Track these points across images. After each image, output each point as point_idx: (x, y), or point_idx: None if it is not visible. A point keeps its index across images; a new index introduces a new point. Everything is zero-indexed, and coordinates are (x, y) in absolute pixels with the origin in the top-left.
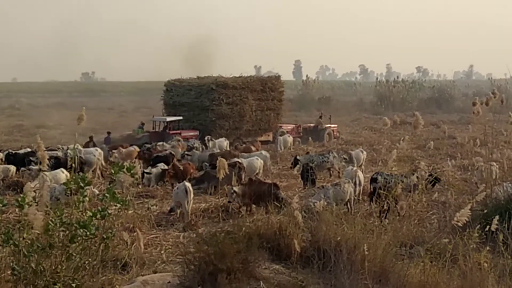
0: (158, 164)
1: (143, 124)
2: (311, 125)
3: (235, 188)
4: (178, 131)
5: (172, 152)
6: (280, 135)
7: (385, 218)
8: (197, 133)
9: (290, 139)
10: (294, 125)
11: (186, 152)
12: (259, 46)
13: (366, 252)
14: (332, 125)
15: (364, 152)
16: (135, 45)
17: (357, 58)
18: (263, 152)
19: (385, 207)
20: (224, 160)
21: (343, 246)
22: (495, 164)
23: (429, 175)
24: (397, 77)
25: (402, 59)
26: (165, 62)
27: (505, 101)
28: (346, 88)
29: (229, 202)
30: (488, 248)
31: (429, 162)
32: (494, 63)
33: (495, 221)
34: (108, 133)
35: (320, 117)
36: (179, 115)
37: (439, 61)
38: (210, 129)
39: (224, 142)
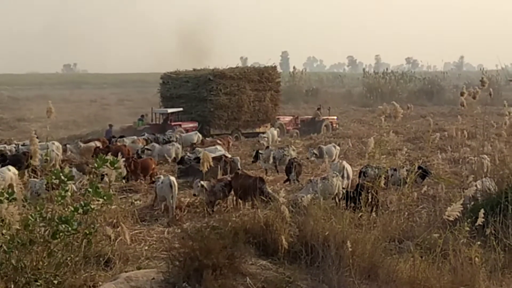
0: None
1: (142, 116)
2: (309, 117)
3: (203, 182)
4: (179, 123)
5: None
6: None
7: (372, 211)
8: (196, 124)
9: (275, 132)
10: (291, 117)
11: (145, 147)
12: (244, 37)
13: (355, 247)
14: (331, 117)
15: (337, 147)
16: (118, 37)
17: (346, 49)
18: (218, 147)
19: (370, 200)
20: (207, 153)
21: (331, 241)
22: (486, 157)
23: (418, 168)
24: (387, 68)
25: (391, 50)
26: (148, 54)
27: (496, 93)
28: (334, 79)
29: (194, 195)
30: (479, 242)
31: (418, 155)
32: (485, 54)
33: (481, 215)
34: (110, 125)
35: (318, 109)
36: (178, 107)
37: (429, 52)
38: (208, 120)
39: (194, 136)
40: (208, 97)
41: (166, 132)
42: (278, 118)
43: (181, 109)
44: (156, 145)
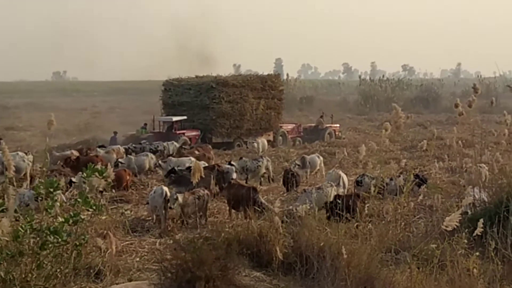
0: None
1: (146, 124)
2: (312, 125)
3: (178, 195)
4: (183, 131)
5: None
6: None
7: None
8: (198, 132)
9: (266, 142)
10: (294, 125)
11: (119, 160)
12: (237, 44)
13: (350, 258)
14: (334, 125)
15: (321, 157)
16: (109, 44)
17: (341, 56)
18: (191, 158)
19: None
20: (199, 163)
21: (327, 252)
22: (484, 166)
23: (415, 176)
24: (383, 76)
25: (387, 57)
26: (140, 61)
27: (494, 102)
28: (329, 87)
29: (170, 208)
30: (477, 253)
31: (416, 164)
32: (483, 61)
33: (480, 224)
34: (115, 133)
35: (321, 116)
36: (179, 115)
37: (426, 59)
38: (210, 128)
39: (171, 146)
40: (210, 105)
41: (170, 140)
42: (281, 126)
43: (185, 117)
44: (131, 157)
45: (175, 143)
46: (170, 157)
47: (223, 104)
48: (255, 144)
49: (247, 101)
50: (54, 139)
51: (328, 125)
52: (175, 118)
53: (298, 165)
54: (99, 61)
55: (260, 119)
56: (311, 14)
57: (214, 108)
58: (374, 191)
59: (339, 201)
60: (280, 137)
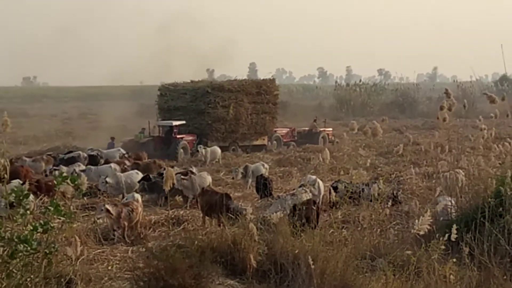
0: (13, 181)
1: (143, 129)
2: (306, 129)
3: (108, 206)
4: (182, 136)
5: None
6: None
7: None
8: (195, 137)
9: (218, 150)
10: (288, 129)
11: (54, 167)
12: (210, 48)
13: (326, 265)
14: (327, 129)
15: (266, 165)
16: (80, 48)
17: (316, 60)
18: (113, 165)
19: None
20: (171, 170)
21: (301, 259)
22: (461, 171)
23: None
24: (360, 80)
25: (363, 61)
26: (110, 66)
27: (470, 105)
28: (305, 92)
29: (98, 219)
30: (454, 259)
31: (391, 170)
32: (459, 65)
33: (454, 230)
34: (112, 138)
35: (315, 120)
36: (176, 119)
37: (402, 63)
38: (206, 132)
39: (116, 153)
40: (206, 110)
41: (170, 144)
42: (275, 131)
43: (183, 122)
44: (63, 167)
45: (121, 150)
46: (90, 166)
47: (218, 109)
48: (203, 151)
49: (242, 105)
50: (24, 145)
51: (321, 129)
52: (175, 123)
53: (242, 173)
54: (70, 66)
55: (255, 124)
56: (285, 18)
57: (209, 113)
58: (345, 195)
59: (297, 210)
60: (275, 142)
